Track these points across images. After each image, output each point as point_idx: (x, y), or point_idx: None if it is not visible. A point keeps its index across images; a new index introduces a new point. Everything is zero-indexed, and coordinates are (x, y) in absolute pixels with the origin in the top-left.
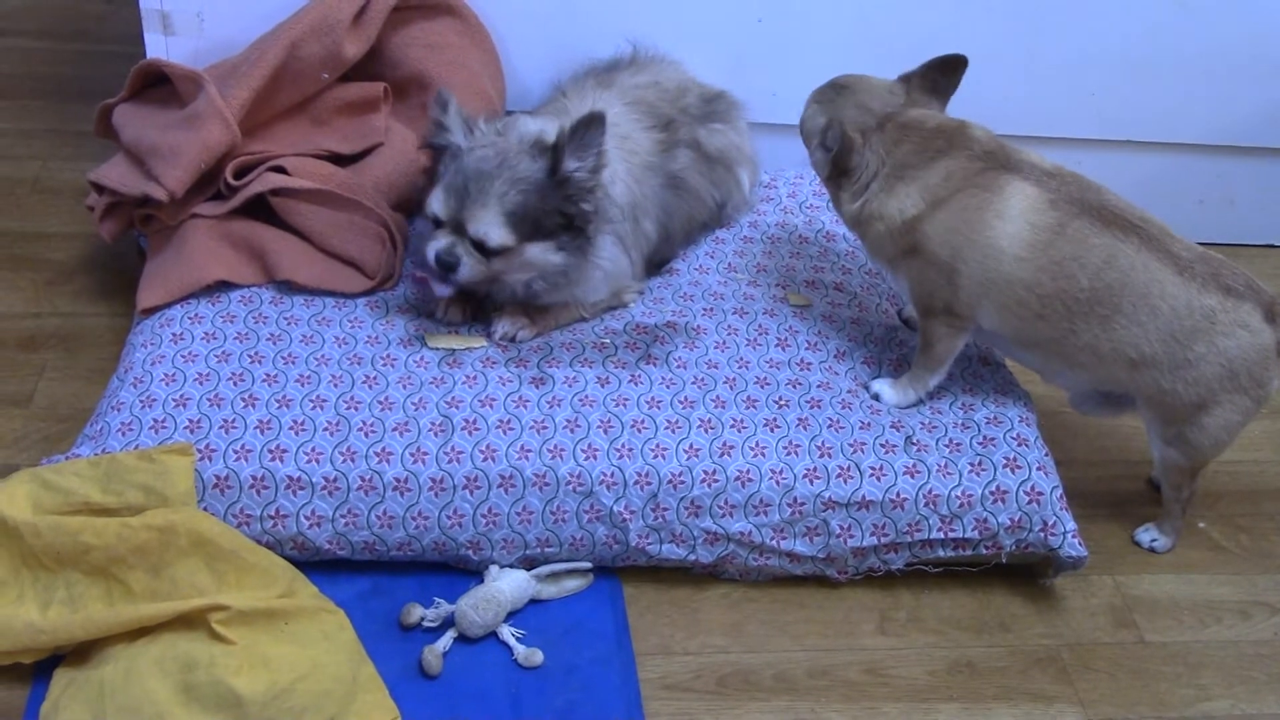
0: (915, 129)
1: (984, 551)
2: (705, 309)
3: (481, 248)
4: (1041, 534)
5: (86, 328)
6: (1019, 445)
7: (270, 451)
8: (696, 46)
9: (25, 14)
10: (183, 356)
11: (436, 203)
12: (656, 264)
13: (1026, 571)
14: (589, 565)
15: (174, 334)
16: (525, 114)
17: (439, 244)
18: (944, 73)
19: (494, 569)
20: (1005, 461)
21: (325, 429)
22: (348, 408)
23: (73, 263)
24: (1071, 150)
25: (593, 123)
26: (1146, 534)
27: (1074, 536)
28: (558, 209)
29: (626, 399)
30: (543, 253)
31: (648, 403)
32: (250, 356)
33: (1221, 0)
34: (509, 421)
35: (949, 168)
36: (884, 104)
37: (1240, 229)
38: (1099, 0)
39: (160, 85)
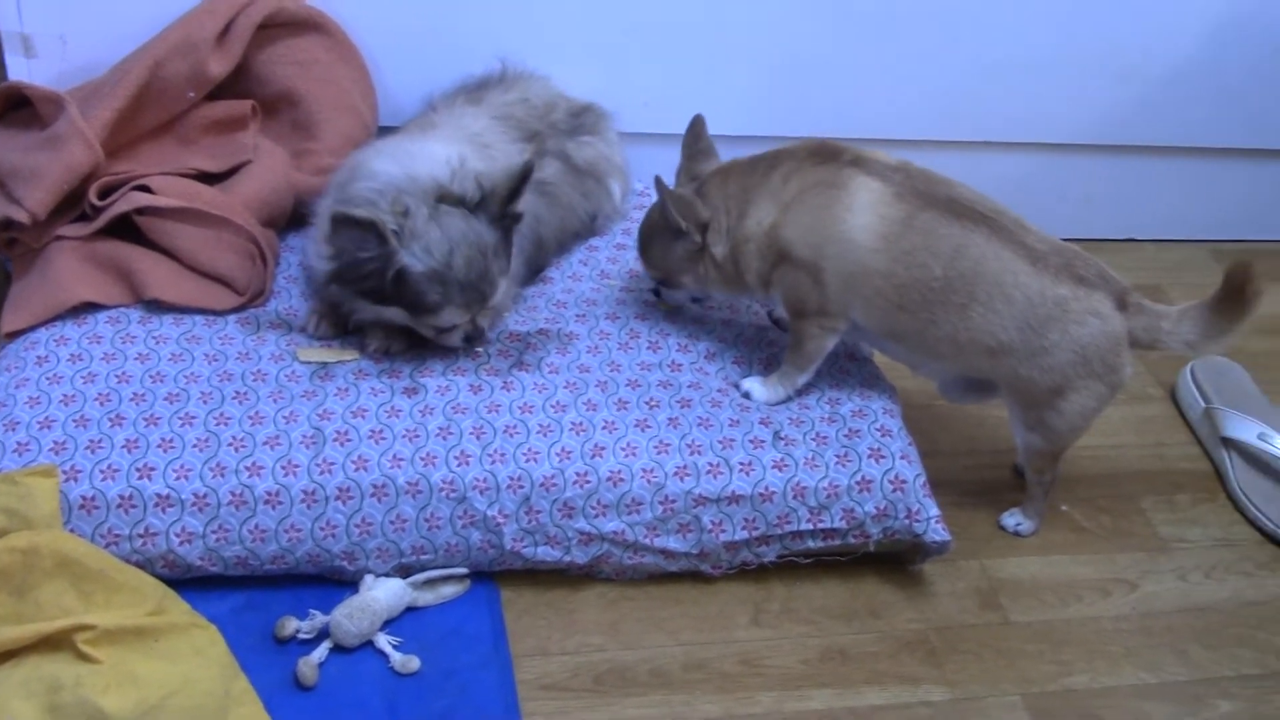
0: (731, 169)
1: (852, 541)
2: (578, 315)
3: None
4: (906, 521)
5: None
6: (883, 436)
7: (138, 470)
8: (565, 60)
9: None
10: (47, 379)
11: (457, 318)
12: (531, 272)
13: (895, 559)
14: (465, 571)
15: (38, 356)
16: (370, 154)
17: (462, 333)
18: (696, 140)
19: (369, 578)
20: (870, 452)
21: (194, 445)
22: (217, 424)
23: None
24: (933, 152)
25: (526, 175)
26: (1011, 518)
27: (937, 522)
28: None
29: (499, 405)
30: (510, 264)
31: (520, 408)
32: (117, 376)
33: (1073, 5)
34: (381, 431)
35: (784, 172)
36: (688, 186)
37: (1099, 224)
38: (955, 7)
39: (22, 108)
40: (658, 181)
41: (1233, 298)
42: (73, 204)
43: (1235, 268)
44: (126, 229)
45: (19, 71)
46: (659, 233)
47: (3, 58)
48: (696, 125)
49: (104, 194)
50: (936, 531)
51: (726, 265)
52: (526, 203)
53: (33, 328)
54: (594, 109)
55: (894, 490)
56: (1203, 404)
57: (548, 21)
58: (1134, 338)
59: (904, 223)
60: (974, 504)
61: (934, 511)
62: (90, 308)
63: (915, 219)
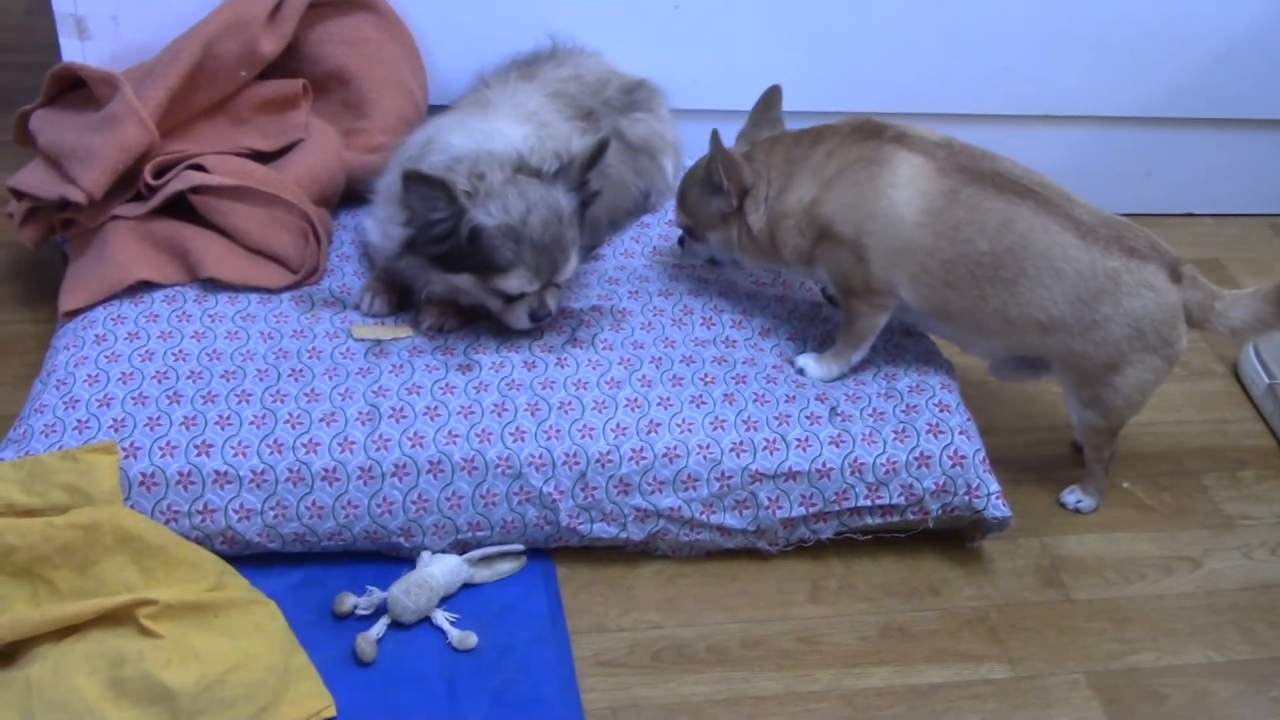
0: (780, 140)
1: (911, 517)
2: (631, 291)
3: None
4: (966, 497)
5: (11, 335)
6: (941, 411)
7: (196, 447)
8: (615, 36)
9: None
10: (106, 357)
11: (526, 283)
12: (585, 250)
13: (954, 536)
14: (521, 547)
15: (97, 335)
16: (443, 129)
17: (529, 308)
18: (767, 109)
19: (426, 555)
20: (928, 427)
21: (251, 422)
22: (274, 401)
23: None
24: (987, 126)
25: (604, 147)
26: (1071, 495)
27: (998, 498)
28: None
29: (553, 381)
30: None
31: (574, 384)
32: (174, 354)
33: None
34: (436, 408)
35: (828, 149)
36: (739, 149)
37: (1158, 199)
38: None
39: (77, 89)
40: (713, 135)
41: None
42: (128, 184)
43: None
44: (181, 208)
45: (73, 53)
46: (699, 183)
47: (57, 39)
48: (771, 95)
49: (159, 173)
50: (997, 507)
51: (762, 237)
52: None
53: (90, 307)
54: (646, 85)
55: (953, 466)
56: (1267, 380)
57: None
58: (1186, 311)
59: (948, 197)
60: (1033, 481)
61: (994, 487)
62: (146, 286)
63: (959, 193)
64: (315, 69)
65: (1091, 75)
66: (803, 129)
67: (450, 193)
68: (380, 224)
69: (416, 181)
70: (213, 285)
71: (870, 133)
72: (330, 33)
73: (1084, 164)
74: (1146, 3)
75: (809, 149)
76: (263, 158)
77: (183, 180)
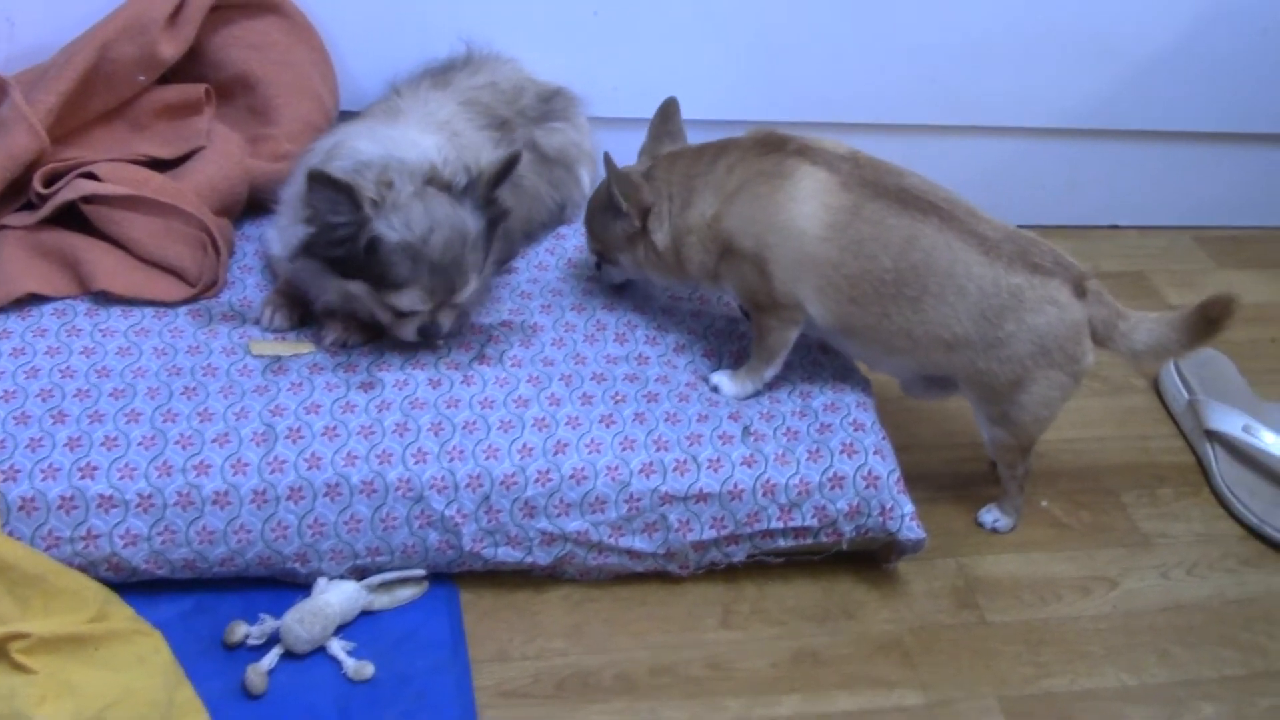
0: (681, 155)
1: (825, 539)
2: (543, 306)
3: (458, 304)
4: (880, 518)
5: None
6: (855, 430)
7: (80, 470)
8: (533, 42)
9: None
10: None
11: (419, 303)
12: (497, 264)
13: (870, 558)
14: (423, 572)
15: None
16: (351, 134)
17: (416, 325)
18: (665, 121)
19: (322, 581)
20: (842, 447)
21: (140, 444)
22: (164, 421)
23: None
24: (913, 137)
25: (514, 162)
26: (989, 515)
27: (912, 519)
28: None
29: (458, 400)
30: (489, 265)
31: (480, 403)
32: (61, 371)
33: None
34: (335, 428)
35: (728, 162)
36: (641, 166)
37: (1083, 211)
38: None
39: None
40: (607, 159)
41: (1202, 325)
42: (17, 192)
43: (1217, 300)
44: (74, 218)
45: None
46: (602, 208)
47: None
48: (667, 107)
49: (49, 181)
50: (911, 529)
51: (668, 255)
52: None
53: None
54: (564, 93)
55: (867, 487)
56: (1186, 395)
57: (511, 3)
58: (1091, 328)
59: (851, 212)
60: (951, 499)
61: (908, 508)
62: (36, 299)
63: (863, 209)
64: (219, 74)
65: (1017, 87)
66: (705, 143)
67: (356, 198)
68: (283, 233)
69: (322, 184)
70: (105, 299)
71: (773, 146)
72: (235, 36)
73: (1009, 175)
74: (1072, 15)
75: (710, 163)
76: (163, 166)
77: (74, 189)
